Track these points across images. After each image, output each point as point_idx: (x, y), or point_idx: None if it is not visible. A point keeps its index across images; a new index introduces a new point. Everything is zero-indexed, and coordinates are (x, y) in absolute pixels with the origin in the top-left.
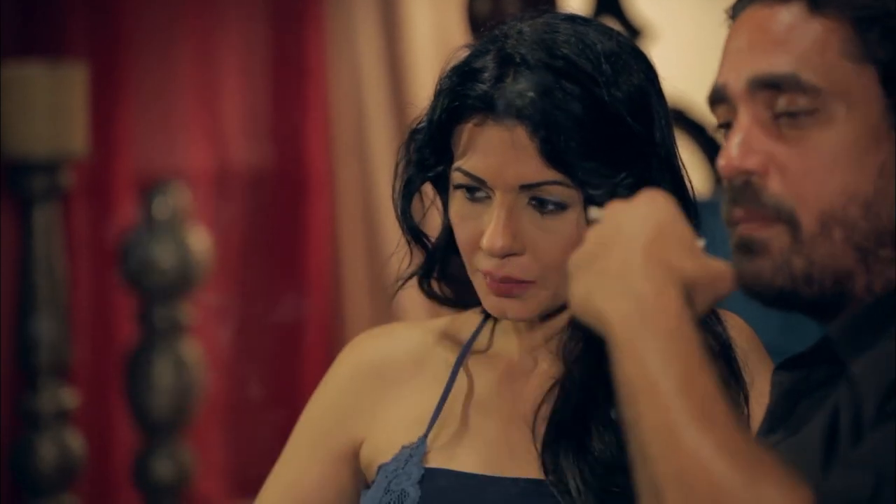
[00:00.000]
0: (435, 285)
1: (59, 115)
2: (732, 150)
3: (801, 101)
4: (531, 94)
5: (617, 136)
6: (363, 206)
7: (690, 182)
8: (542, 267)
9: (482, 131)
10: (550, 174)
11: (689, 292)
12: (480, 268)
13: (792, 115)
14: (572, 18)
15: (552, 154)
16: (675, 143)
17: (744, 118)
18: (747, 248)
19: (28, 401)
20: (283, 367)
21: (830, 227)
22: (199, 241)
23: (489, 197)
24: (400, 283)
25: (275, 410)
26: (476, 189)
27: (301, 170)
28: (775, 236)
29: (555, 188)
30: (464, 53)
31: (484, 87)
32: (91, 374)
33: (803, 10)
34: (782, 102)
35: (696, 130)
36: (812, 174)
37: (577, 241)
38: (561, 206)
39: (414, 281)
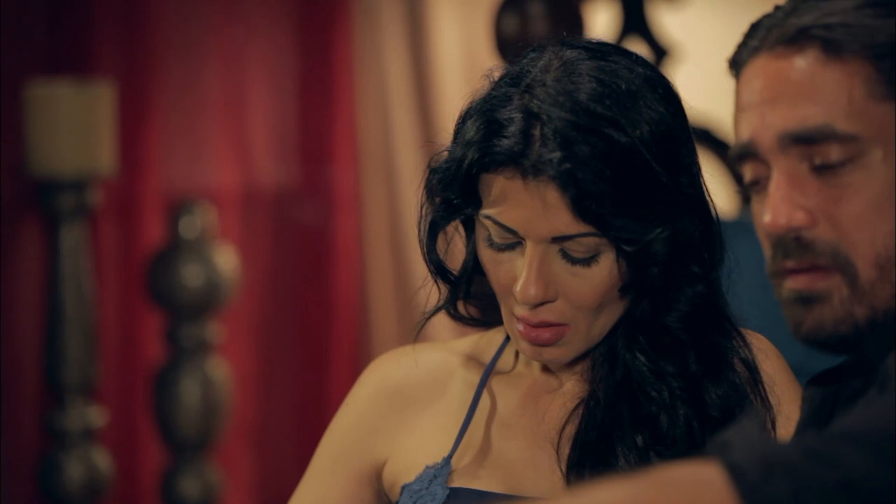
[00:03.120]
0: (461, 308)
1: (86, 134)
2: (777, 209)
3: (837, 151)
4: (558, 153)
5: (645, 187)
6: (390, 226)
7: (717, 211)
8: (574, 310)
9: (512, 185)
10: (583, 227)
11: None
12: (516, 313)
13: (829, 165)
14: (595, 53)
15: (584, 211)
16: (701, 175)
17: (780, 175)
18: (805, 301)
19: (55, 419)
20: (309, 386)
21: (887, 269)
22: (226, 260)
23: (520, 243)
24: (426, 317)
25: (301, 430)
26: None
27: (328, 189)
28: (835, 288)
29: (587, 239)
30: (487, 90)
31: (509, 142)
32: (118, 392)
33: (819, 56)
34: (818, 156)
35: (722, 149)
36: (861, 219)
37: (609, 283)
38: (593, 255)
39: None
